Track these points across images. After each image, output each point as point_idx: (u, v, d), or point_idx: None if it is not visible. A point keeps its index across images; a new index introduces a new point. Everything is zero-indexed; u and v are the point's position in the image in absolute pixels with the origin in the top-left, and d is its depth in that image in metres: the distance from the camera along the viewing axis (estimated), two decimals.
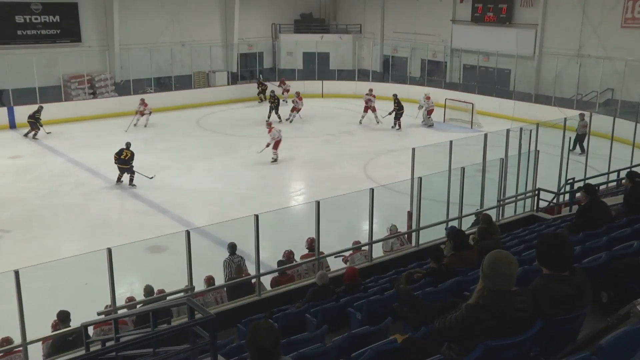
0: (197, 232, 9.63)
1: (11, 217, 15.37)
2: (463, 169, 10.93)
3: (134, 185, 17.66)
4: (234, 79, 32.85)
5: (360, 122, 25.95)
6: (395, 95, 25.54)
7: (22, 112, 24.63)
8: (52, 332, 8.08)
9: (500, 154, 12.03)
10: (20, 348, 7.21)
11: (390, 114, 25.12)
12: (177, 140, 23.33)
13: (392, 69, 33.63)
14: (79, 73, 28.25)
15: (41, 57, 26.76)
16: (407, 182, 11.19)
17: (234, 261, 10.19)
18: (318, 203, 9.19)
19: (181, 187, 17.63)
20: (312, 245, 10.00)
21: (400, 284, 5.57)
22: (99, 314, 7.83)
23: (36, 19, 28.31)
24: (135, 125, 25.36)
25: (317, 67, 33.43)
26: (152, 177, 17.92)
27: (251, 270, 9.78)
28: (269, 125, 20.89)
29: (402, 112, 24.98)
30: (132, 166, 17.74)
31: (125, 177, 17.84)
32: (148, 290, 9.11)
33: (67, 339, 7.82)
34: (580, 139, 19.11)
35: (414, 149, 11.28)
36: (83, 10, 29.51)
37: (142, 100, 25.95)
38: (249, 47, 34.27)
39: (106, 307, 8.07)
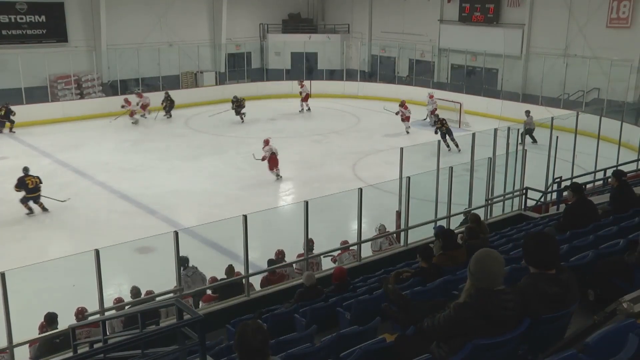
0: (185, 233, 9.63)
1: None
2: (451, 168, 10.97)
3: (47, 209, 15.88)
4: (222, 79, 32.79)
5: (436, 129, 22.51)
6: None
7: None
8: (39, 334, 8.03)
9: (488, 154, 12.08)
10: (7, 351, 7.14)
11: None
12: (165, 141, 23.25)
13: (379, 69, 33.68)
14: (65, 73, 28.07)
15: (27, 58, 26.50)
16: (395, 181, 11.21)
17: (189, 275, 9.83)
18: (307, 203, 9.19)
19: (169, 187, 17.57)
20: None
21: (389, 284, 5.59)
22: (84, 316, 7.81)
23: (21, 18, 28.07)
24: (135, 123, 26.04)
25: (305, 67, 33.45)
26: (64, 201, 16.16)
27: (240, 270, 9.75)
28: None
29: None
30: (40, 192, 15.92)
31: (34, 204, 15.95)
32: (135, 291, 9.08)
33: (54, 341, 7.77)
34: (528, 132, 21.11)
35: (402, 149, 11.30)
36: (69, 10, 29.32)
37: (126, 99, 26.19)
38: (236, 47, 34.22)
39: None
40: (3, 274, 6.84)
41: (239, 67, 34.00)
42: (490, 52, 28.64)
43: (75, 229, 14.72)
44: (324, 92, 32.04)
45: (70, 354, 6.72)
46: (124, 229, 14.25)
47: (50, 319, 8.11)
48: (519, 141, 15.99)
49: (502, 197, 12.42)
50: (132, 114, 26.17)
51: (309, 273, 8.33)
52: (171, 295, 8.33)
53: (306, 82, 29.19)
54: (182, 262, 9.21)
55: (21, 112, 25.07)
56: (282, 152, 18.71)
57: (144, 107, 26.86)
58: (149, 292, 8.94)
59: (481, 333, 3.53)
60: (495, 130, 12.19)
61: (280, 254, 10.41)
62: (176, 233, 8.20)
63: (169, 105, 27.42)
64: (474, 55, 29.64)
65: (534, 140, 20.80)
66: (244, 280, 9.12)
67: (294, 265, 10.45)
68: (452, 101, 26.60)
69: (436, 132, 21.78)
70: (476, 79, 29.49)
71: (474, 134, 12.17)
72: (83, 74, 28.95)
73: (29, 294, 10.68)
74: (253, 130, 24.92)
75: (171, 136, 24.05)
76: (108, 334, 6.93)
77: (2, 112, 23.79)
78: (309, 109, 28.58)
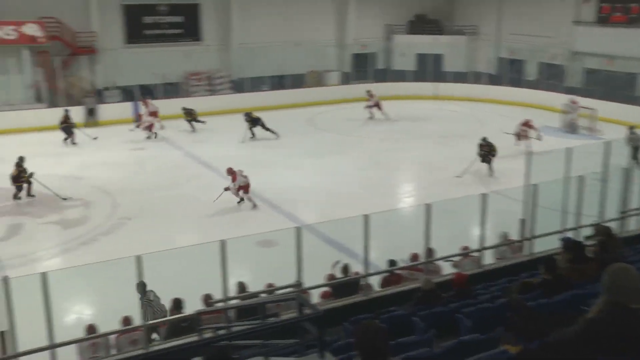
0: (306, 229, 9.78)
1: (131, 205, 16.24)
2: (582, 177, 10.45)
3: (33, 195, 16.80)
4: (346, 79, 33.10)
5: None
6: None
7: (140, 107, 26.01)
8: (168, 317, 8.47)
9: (624, 163, 11.39)
10: (141, 329, 7.62)
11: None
12: (288, 138, 23.80)
13: (506, 72, 32.66)
14: (198, 71, 29.55)
15: (165, 55, 28.21)
16: (520, 188, 10.84)
17: (150, 302, 8.99)
18: (428, 206, 9.09)
19: (293, 184, 17.95)
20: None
21: (513, 294, 5.43)
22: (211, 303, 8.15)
23: (162, 19, 29.91)
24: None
25: (430, 68, 33.09)
26: (66, 199, 16.63)
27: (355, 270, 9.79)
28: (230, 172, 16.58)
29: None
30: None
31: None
32: (241, 287, 9.30)
33: (181, 325, 8.17)
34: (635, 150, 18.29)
35: (529, 155, 10.90)
36: (204, 11, 30.86)
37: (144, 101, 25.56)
38: (361, 48, 34.41)
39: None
40: (139, 257, 7.27)
41: (363, 67, 34.18)
42: (630, 56, 26.92)
43: (201, 219, 15.36)
44: (449, 94, 31.53)
45: (195, 338, 7.04)
46: (247, 222, 14.74)
47: (177, 304, 8.54)
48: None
49: (638, 211, 11.66)
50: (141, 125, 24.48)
51: (427, 278, 8.25)
52: (291, 289, 8.51)
53: (375, 92, 27.74)
54: (141, 287, 8.62)
55: (157, 106, 26.63)
56: (404, 153, 18.54)
57: (153, 114, 24.87)
58: (269, 285, 9.18)
59: (613, 353, 3.34)
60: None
61: (415, 257, 10.27)
62: (299, 229, 8.37)
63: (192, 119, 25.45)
64: (610, 58, 28.01)
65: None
66: (361, 279, 9.16)
67: (415, 268, 10.35)
68: (585, 107, 25.31)
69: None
70: (612, 84, 27.83)
71: (607, 142, 11.53)
72: (214, 72, 30.32)
73: (157, 279, 11.30)
74: (377, 130, 24.99)
75: (294, 133, 24.56)
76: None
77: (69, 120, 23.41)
78: (385, 117, 26.92)
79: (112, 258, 11.11)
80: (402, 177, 19.78)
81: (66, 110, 23.40)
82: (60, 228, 14.83)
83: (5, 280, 6.69)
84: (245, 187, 16.13)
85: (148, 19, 29.77)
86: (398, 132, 24.68)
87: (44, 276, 6.88)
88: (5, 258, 12.00)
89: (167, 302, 8.78)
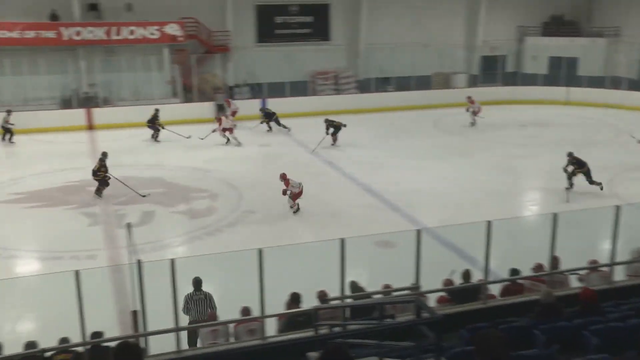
0: (426, 232, 9.66)
1: (256, 199, 16.75)
2: None
3: (100, 197, 16.77)
4: (474, 82, 32.36)
5: None
6: None
7: (273, 105, 26.80)
8: (285, 310, 8.65)
9: None
10: (259, 320, 7.84)
11: None
12: (412, 139, 23.62)
13: None
14: (325, 70, 30.03)
15: (293, 54, 28.91)
16: None
17: (194, 299, 9.25)
18: (555, 215, 8.69)
19: (414, 185, 17.78)
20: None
21: None
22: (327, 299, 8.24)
23: (292, 19, 30.72)
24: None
25: (563, 72, 31.64)
26: (144, 196, 16.77)
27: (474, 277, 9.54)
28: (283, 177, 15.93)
29: None
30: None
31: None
32: (353, 286, 9.28)
33: (297, 319, 8.32)
34: None
35: None
36: (334, 11, 31.34)
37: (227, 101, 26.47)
38: (491, 50, 33.51)
39: None
40: (260, 250, 7.48)
41: (492, 70, 33.26)
42: None
43: (321, 216, 15.55)
44: (584, 100, 30.02)
45: (311, 333, 7.16)
46: (367, 222, 14.76)
47: (295, 298, 8.70)
48: None
49: None
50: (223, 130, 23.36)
51: (548, 290, 7.89)
52: (409, 292, 8.43)
53: (475, 97, 26.48)
54: (196, 284, 9.28)
55: (283, 104, 27.31)
56: (531, 160, 17.76)
57: (233, 114, 25.55)
58: (386, 286, 9.14)
59: None
60: None
61: (539, 268, 9.90)
62: (419, 231, 8.28)
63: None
64: None
65: None
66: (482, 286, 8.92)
67: (538, 279, 9.94)
68: None
69: None
70: None
71: None
72: (341, 71, 30.67)
73: (277, 272, 11.58)
74: (503, 135, 24.28)
75: (420, 136, 24.34)
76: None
77: (157, 119, 23.71)
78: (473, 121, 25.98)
79: (235, 249, 11.58)
80: (527, 184, 19.03)
81: (156, 110, 23.81)
82: (188, 218, 15.56)
83: (139, 263, 7.10)
84: (298, 194, 15.61)
85: (279, 19, 30.71)
86: (526, 137, 23.80)
87: (172, 262, 7.24)
88: (138, 243, 12.75)
89: (284, 296, 8.95)
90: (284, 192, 15.61)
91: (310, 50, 30.22)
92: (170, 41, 28.07)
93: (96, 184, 16.86)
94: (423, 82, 31.11)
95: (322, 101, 29.09)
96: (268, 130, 25.10)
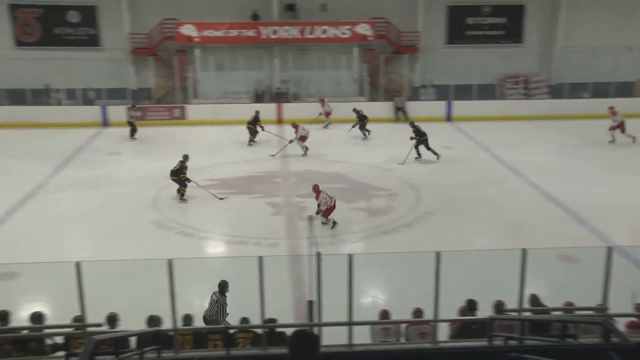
0: (616, 251, 8.97)
1: (434, 201, 16.60)
2: None
3: (184, 200, 16.65)
4: None
5: None
6: None
7: (457, 107, 26.39)
8: (459, 316, 8.50)
9: None
10: (431, 323, 7.78)
11: None
12: (607, 151, 22.07)
13: None
14: (515, 73, 28.97)
15: (483, 57, 28.25)
16: None
17: (214, 299, 9.24)
18: None
19: (607, 200, 16.53)
20: None
21: None
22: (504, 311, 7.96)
23: (484, 20, 30.01)
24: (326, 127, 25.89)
25: None
26: (222, 199, 16.79)
27: None
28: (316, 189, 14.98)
29: None
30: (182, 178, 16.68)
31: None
32: (533, 299, 8.79)
33: (471, 327, 8.15)
34: None
35: None
36: (529, 12, 30.12)
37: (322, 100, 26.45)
38: None
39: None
40: (438, 253, 7.42)
41: None
42: None
43: (503, 225, 15.02)
44: None
45: (485, 343, 6.97)
46: (549, 233, 14.05)
47: (472, 305, 8.50)
48: None
49: None
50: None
51: None
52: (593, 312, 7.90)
53: (617, 109, 23.10)
54: (220, 287, 9.28)
55: (469, 107, 27.01)
56: None
57: (327, 115, 26.16)
58: (568, 303, 8.64)
59: None
60: None
61: None
62: (609, 249, 7.73)
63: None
64: None
65: None
66: None
67: None
68: None
69: None
70: None
71: None
72: (532, 75, 29.39)
73: (450, 277, 11.39)
74: None
75: (614, 146, 22.63)
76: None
77: (258, 122, 23.31)
78: (631, 139, 22.87)
79: (411, 250, 11.59)
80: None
81: (257, 112, 23.55)
82: (367, 215, 15.80)
83: (319, 255, 7.36)
84: (330, 209, 14.57)
85: (470, 20, 30.14)
86: None
87: (350, 257, 7.41)
88: (318, 236, 13.19)
89: (456, 302, 8.76)
90: (318, 210, 14.56)
91: (500, 53, 29.33)
92: (361, 41, 28.72)
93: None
94: (625, 89, 28.76)
95: (510, 105, 28.10)
96: (363, 139, 24.03)
